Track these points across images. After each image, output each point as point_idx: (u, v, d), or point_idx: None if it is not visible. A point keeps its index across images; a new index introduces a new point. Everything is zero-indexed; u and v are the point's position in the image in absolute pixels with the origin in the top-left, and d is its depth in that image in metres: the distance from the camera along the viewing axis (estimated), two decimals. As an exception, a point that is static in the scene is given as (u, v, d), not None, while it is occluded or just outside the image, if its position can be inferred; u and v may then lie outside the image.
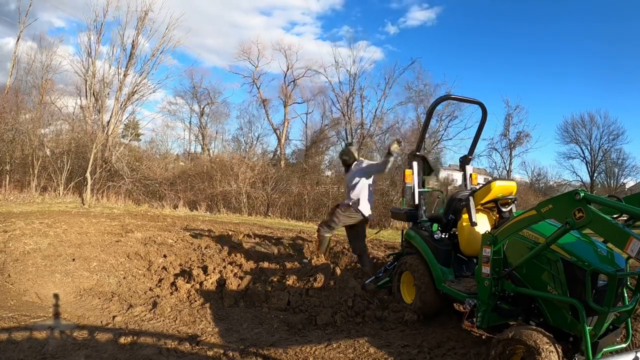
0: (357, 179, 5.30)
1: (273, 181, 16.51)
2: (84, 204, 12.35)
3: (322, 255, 5.70)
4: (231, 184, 15.87)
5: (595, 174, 31.33)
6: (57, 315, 3.83)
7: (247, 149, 26.89)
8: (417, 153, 4.81)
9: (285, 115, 28.10)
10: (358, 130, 22.33)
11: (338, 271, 4.76)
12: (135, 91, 17.85)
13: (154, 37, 17.96)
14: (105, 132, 16.08)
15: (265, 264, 5.24)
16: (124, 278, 5.04)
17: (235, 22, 46.28)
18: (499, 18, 44.76)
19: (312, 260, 5.45)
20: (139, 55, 17.88)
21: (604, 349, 2.84)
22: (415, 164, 4.75)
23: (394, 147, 5.01)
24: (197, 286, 4.65)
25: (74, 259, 5.43)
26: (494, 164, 30.51)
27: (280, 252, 6.74)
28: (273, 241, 7.66)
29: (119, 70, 17.61)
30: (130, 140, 20.68)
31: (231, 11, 46.10)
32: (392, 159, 5.04)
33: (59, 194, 13.94)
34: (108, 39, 17.88)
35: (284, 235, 8.78)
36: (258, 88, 28.40)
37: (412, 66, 22.36)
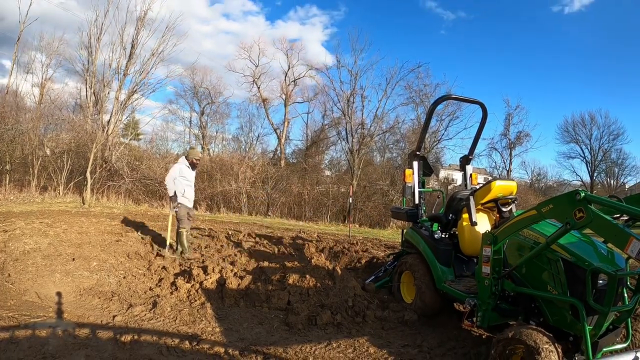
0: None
1: (273, 181, 16.51)
2: (84, 204, 12.34)
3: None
4: (231, 183, 15.86)
5: (596, 174, 31.34)
6: (57, 314, 3.83)
7: (247, 149, 26.90)
8: (418, 153, 4.81)
9: (285, 115, 28.06)
10: (358, 130, 22.27)
11: (338, 271, 4.76)
12: (135, 90, 17.82)
13: (153, 37, 17.91)
14: (105, 131, 16.03)
15: (266, 264, 5.24)
16: (124, 278, 5.03)
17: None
18: (499, 18, 44.78)
19: (313, 260, 5.46)
20: (139, 54, 17.84)
21: (604, 349, 2.85)
22: (415, 163, 4.75)
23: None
24: (197, 286, 4.65)
25: (74, 259, 5.42)
26: (494, 163, 30.42)
27: (281, 252, 6.74)
28: (273, 241, 7.67)
29: (119, 69, 17.58)
30: (130, 140, 20.60)
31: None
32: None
33: (59, 193, 13.91)
34: (108, 38, 17.83)
35: (284, 235, 8.79)
36: (258, 88, 28.37)
37: (415, 68, 22.16)
